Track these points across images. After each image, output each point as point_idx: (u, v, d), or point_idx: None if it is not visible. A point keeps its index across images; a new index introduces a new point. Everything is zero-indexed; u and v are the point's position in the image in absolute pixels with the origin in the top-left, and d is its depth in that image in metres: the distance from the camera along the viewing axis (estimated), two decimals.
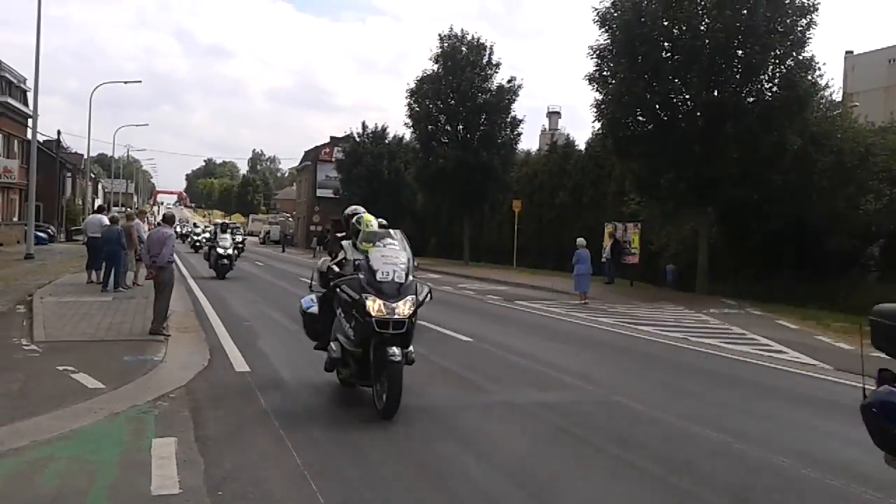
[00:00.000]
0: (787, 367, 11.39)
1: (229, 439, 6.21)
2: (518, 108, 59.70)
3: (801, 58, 23.29)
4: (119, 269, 17.69)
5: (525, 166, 45.25)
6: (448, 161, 40.55)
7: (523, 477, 5.56)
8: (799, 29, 23.09)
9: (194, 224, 75.50)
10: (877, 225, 24.03)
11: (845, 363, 11.71)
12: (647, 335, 14.53)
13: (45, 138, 51.37)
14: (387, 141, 57.46)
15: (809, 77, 23.43)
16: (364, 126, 58.22)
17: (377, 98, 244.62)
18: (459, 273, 33.33)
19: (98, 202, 62.73)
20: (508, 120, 42.23)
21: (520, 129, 42.83)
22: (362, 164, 55.43)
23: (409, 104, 43.01)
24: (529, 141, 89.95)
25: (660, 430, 7.05)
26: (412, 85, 43.06)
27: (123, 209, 59.16)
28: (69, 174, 59.65)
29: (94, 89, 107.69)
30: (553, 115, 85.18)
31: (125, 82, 61.76)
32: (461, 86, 41.13)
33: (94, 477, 5.19)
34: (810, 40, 23.21)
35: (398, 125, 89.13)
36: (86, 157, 59.85)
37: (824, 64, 50.86)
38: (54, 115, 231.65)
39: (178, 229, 67.10)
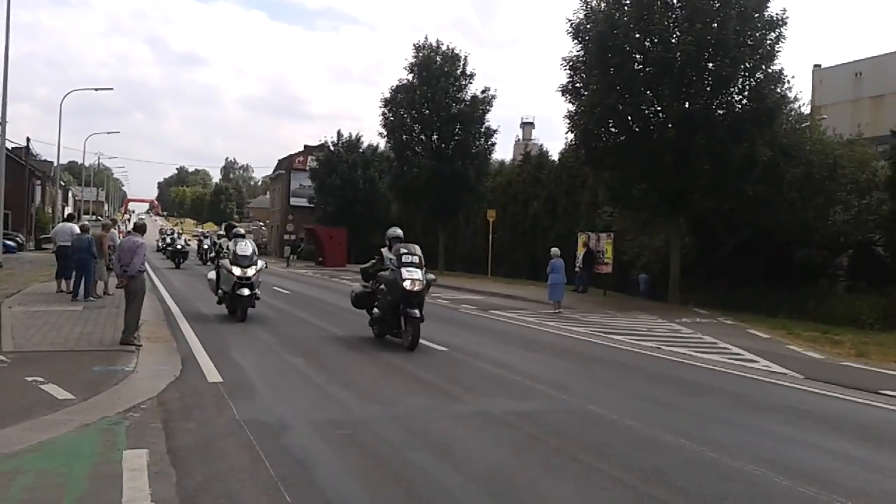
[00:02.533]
0: (759, 375, 11.51)
1: (202, 451, 6.15)
2: (492, 119, 60.34)
3: (770, 71, 23.66)
4: (89, 278, 17.48)
5: (499, 176, 45.50)
6: (422, 171, 40.64)
7: (497, 486, 5.56)
8: (768, 42, 23.47)
9: (206, 236, 44.78)
10: (845, 236, 24.43)
11: (815, 372, 11.89)
12: (621, 344, 14.63)
13: (14, 145, 50.68)
14: (361, 150, 57.42)
15: (778, 90, 23.80)
16: (339, 135, 58.23)
17: (352, 107, 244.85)
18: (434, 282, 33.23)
19: (68, 210, 61.88)
20: (482, 130, 42.40)
21: (494, 140, 43.07)
22: (337, 173, 55.33)
23: (383, 113, 43.06)
24: (503, 151, 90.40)
25: (633, 439, 7.09)
26: (387, 94, 43.15)
27: (95, 217, 58.13)
28: (39, 182, 58.83)
29: (65, 96, 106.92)
30: (527, 125, 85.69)
31: (96, 89, 61.18)
32: (435, 95, 41.25)
33: (64, 490, 5.12)
34: (779, 54, 23.63)
35: (373, 134, 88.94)
36: (56, 164, 59.01)
37: (793, 77, 51.48)
38: (24, 122, 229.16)
39: (160, 242, 51.63)
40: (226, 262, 15.58)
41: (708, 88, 23.89)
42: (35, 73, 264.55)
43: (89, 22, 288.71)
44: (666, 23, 23.72)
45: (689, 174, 23.41)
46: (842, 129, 27.62)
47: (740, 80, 23.83)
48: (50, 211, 60.67)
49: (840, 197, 24.51)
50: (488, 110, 42.40)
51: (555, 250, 21.91)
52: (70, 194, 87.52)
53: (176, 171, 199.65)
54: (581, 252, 29.31)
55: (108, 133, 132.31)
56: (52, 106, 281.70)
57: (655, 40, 23.74)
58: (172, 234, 47.15)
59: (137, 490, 5.09)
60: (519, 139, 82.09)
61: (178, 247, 39.76)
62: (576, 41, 25.13)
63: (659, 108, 24.34)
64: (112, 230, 19.50)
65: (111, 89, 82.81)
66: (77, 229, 18.71)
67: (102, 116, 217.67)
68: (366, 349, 12.55)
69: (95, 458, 5.83)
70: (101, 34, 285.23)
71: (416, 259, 12.28)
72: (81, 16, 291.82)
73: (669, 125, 24.05)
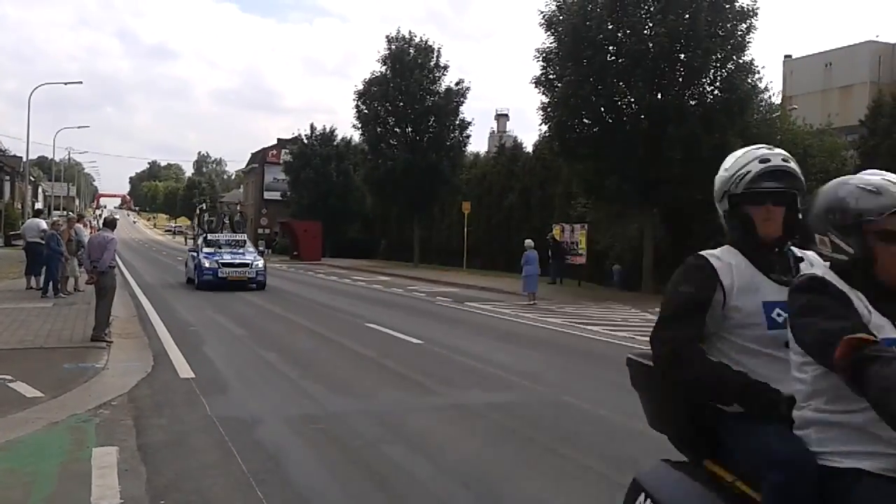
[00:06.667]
0: None
1: (173, 447, 6.09)
2: (466, 111, 60.27)
3: (741, 62, 23.86)
4: (58, 274, 17.25)
5: (474, 168, 45.47)
6: (397, 163, 40.53)
7: (471, 478, 5.56)
8: (739, 33, 23.66)
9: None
10: None
11: None
12: (595, 335, 14.69)
13: None
14: (335, 143, 57.14)
15: (749, 80, 24.00)
16: (312, 128, 57.91)
17: (325, 100, 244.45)
18: (409, 275, 33.29)
19: (38, 206, 60.94)
20: (457, 122, 42.36)
21: (468, 132, 43.05)
22: (311, 166, 55.05)
23: (357, 106, 42.88)
24: (478, 143, 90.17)
25: (607, 429, 7.12)
26: (360, 87, 42.96)
27: (66, 214, 57.12)
28: (7, 177, 57.87)
29: (34, 90, 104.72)
30: (501, 117, 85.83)
31: (66, 83, 60.07)
32: (409, 88, 41.14)
33: (31, 489, 5.04)
34: (750, 45, 23.87)
35: (347, 127, 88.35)
36: (25, 159, 57.91)
37: (763, 68, 52.35)
38: None
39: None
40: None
41: (680, 79, 24.04)
42: (2, 67, 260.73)
43: (57, 15, 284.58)
44: (639, 14, 23.81)
45: (661, 165, 23.53)
46: (812, 119, 27.95)
47: (712, 70, 24.00)
48: (20, 207, 59.66)
49: (810, 187, 24.77)
50: (462, 102, 42.41)
51: (528, 242, 21.97)
52: (40, 190, 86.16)
53: (148, 166, 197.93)
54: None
55: (79, 127, 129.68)
56: (21, 100, 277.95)
57: (628, 32, 23.83)
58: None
59: (107, 488, 5.02)
60: (493, 131, 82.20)
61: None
62: (548, 33, 25.18)
63: (632, 100, 24.43)
64: (77, 224, 19.19)
65: (80, 83, 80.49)
66: (45, 225, 18.47)
67: (72, 110, 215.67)
68: (340, 343, 12.52)
69: (64, 457, 5.75)
70: (69, 27, 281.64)
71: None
72: (49, 8, 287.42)
73: (642, 116, 24.16)
